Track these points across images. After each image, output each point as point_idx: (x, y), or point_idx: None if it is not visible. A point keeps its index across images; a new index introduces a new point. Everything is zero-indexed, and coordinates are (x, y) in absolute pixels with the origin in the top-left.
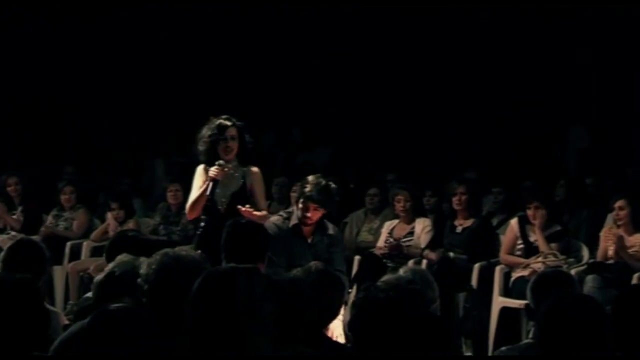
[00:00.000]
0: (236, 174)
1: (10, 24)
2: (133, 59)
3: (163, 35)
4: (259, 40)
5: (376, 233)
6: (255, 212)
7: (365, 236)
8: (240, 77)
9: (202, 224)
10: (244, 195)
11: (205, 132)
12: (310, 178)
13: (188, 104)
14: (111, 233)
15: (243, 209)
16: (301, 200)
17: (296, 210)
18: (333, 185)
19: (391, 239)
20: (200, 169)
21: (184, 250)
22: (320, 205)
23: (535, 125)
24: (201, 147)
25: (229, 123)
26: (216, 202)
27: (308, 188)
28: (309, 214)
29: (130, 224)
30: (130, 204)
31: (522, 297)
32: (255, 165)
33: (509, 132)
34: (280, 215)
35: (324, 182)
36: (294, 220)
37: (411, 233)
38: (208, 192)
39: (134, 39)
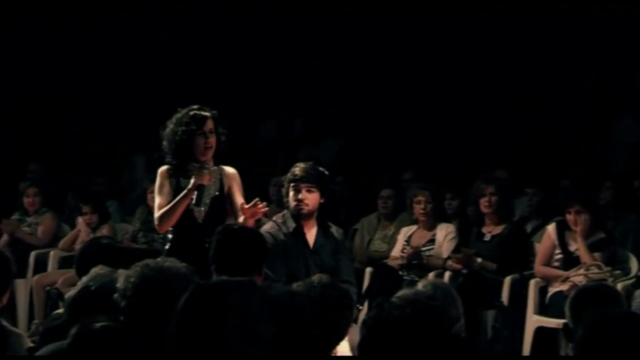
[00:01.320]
0: (213, 178)
1: (10, 24)
2: (133, 59)
3: (163, 35)
4: (256, 27)
5: (391, 241)
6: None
7: (378, 245)
8: (236, 62)
9: (171, 236)
10: (223, 200)
11: (176, 126)
12: (297, 164)
13: (174, 93)
14: (82, 241)
15: (246, 206)
16: (291, 185)
17: (290, 205)
18: (322, 168)
19: (408, 248)
20: (164, 171)
21: (168, 260)
22: (312, 185)
23: (571, 118)
24: (170, 145)
25: (206, 114)
26: (192, 210)
27: (295, 171)
28: (301, 196)
29: (104, 230)
30: (105, 207)
31: (560, 316)
32: (229, 165)
33: (533, 127)
34: (274, 222)
35: (311, 163)
36: (291, 223)
37: (432, 241)
38: (194, 202)
39: (134, 39)
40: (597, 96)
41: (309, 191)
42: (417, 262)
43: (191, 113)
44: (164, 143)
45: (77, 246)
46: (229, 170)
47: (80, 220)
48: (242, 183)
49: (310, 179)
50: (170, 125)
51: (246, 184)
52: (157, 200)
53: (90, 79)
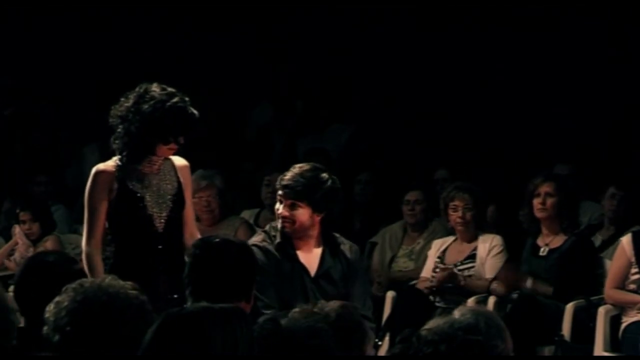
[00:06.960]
0: (167, 170)
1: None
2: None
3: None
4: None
5: (419, 258)
6: None
7: (403, 263)
8: (220, 30)
9: (114, 249)
10: (183, 203)
11: (154, 110)
12: (292, 167)
13: (138, 66)
14: (20, 257)
15: None
16: (277, 194)
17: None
18: (325, 176)
19: (441, 265)
20: (107, 171)
21: (110, 278)
22: (298, 200)
23: None
24: (134, 131)
25: (194, 111)
26: (151, 215)
27: (284, 177)
28: (282, 212)
29: (47, 243)
30: (49, 214)
31: (637, 353)
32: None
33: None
34: (265, 232)
35: (306, 168)
36: (279, 238)
37: (472, 257)
38: (151, 206)
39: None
40: None
41: (293, 206)
42: (453, 286)
43: (180, 105)
44: (118, 124)
45: (11, 264)
46: (181, 162)
47: (17, 229)
48: (228, 181)
49: (293, 193)
50: (145, 106)
51: (232, 184)
52: (88, 217)
53: (90, 77)
